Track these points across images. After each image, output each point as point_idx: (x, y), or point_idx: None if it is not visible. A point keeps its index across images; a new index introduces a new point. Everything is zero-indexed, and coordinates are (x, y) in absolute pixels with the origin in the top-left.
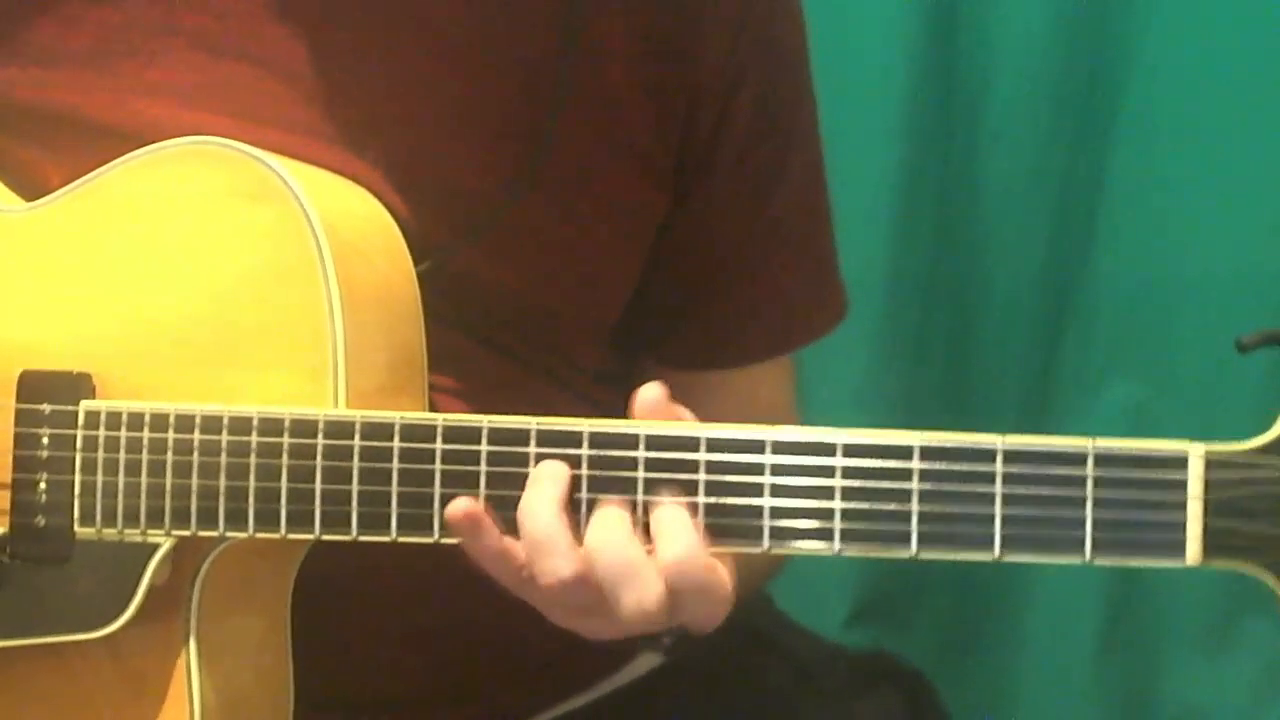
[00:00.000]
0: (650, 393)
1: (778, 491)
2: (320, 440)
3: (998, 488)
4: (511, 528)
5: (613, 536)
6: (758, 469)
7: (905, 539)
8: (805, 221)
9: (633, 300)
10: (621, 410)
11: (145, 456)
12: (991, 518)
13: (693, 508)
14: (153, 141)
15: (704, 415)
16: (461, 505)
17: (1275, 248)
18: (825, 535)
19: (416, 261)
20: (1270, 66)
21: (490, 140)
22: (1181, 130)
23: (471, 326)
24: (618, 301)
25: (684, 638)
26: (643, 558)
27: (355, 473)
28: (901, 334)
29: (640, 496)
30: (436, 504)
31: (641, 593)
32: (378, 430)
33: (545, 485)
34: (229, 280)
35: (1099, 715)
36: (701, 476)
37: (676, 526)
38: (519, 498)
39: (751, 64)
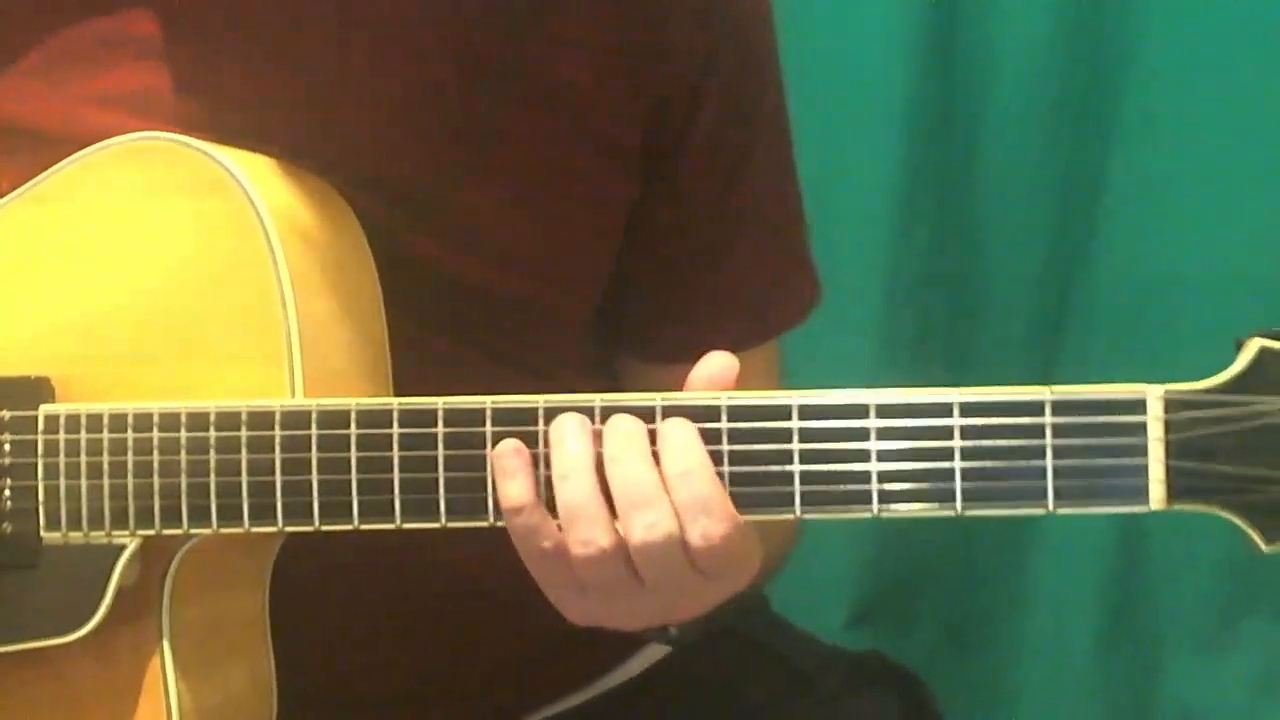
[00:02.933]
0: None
1: (735, 459)
2: (278, 431)
3: (956, 441)
4: (467, 507)
5: (630, 449)
6: (715, 436)
7: (866, 498)
8: (775, 211)
9: (607, 294)
10: None
11: (106, 458)
12: (952, 472)
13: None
14: None
15: None
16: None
17: (1275, 248)
18: (786, 500)
19: (375, 248)
20: (1270, 66)
21: (434, 131)
22: (1181, 130)
23: (445, 324)
24: (590, 293)
25: (691, 628)
26: (656, 478)
27: (314, 462)
28: (901, 334)
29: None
30: (396, 489)
31: (655, 515)
32: (334, 418)
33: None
34: (181, 274)
35: (1099, 715)
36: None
37: (681, 434)
38: (480, 479)
39: (720, 53)
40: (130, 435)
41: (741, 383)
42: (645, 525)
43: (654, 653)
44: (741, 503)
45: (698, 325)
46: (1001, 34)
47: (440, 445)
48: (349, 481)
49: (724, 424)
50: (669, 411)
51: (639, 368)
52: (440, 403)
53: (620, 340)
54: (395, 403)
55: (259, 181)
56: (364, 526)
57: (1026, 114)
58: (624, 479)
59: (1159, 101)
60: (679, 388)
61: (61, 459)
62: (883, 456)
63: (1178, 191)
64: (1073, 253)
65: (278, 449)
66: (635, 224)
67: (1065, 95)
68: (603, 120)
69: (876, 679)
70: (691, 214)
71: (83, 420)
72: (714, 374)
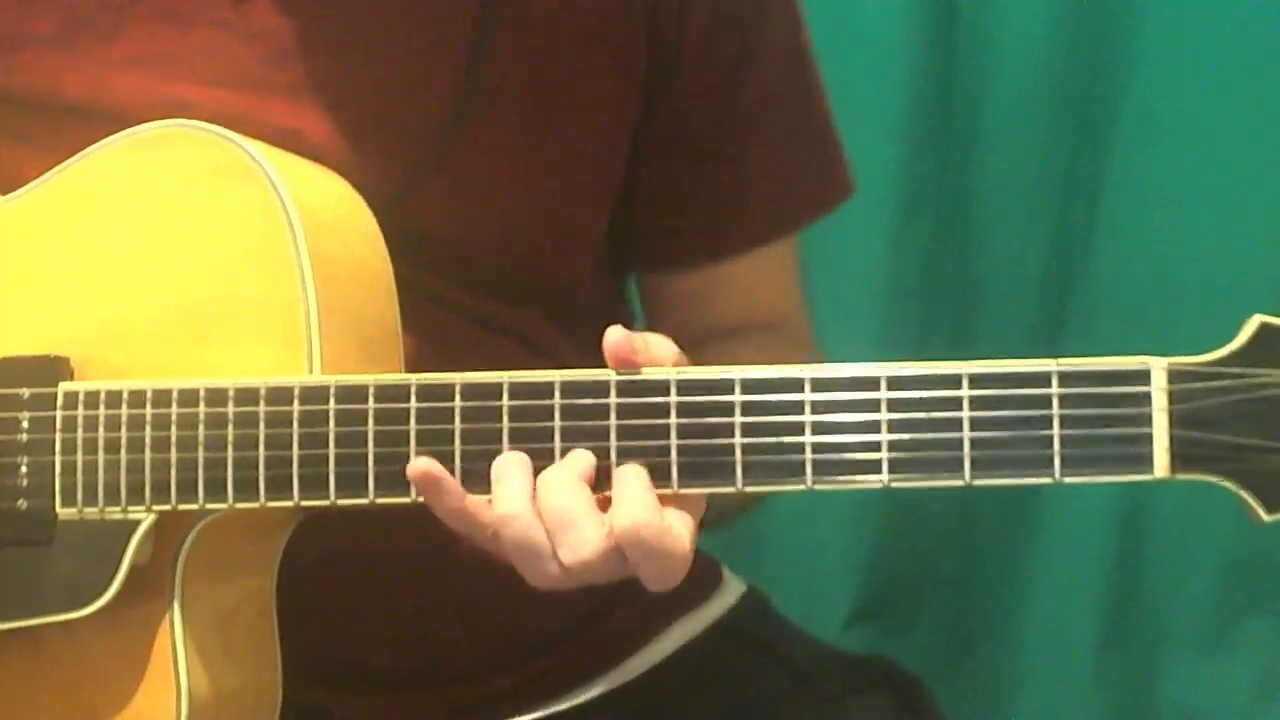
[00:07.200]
0: (613, 335)
1: (748, 430)
2: (296, 406)
3: (965, 412)
4: (483, 481)
5: (560, 478)
6: (728, 409)
7: (876, 468)
8: (789, 102)
9: (621, 208)
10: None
11: (124, 434)
12: (960, 442)
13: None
14: (129, 116)
15: (710, 315)
16: (420, 465)
17: (1275, 248)
18: (797, 470)
19: (384, 205)
20: (1270, 66)
21: (427, 61)
22: (1181, 130)
23: (451, 270)
24: (601, 210)
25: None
26: (583, 507)
27: (331, 436)
28: (901, 333)
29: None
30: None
31: (578, 543)
32: (352, 393)
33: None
34: (203, 258)
35: (1099, 716)
36: (673, 420)
37: (631, 489)
38: (496, 451)
39: None
40: (149, 411)
41: (757, 281)
42: (571, 551)
43: (656, 652)
44: (753, 474)
45: (712, 226)
46: (1001, 34)
47: (457, 419)
48: (365, 455)
49: (737, 396)
50: (682, 387)
51: (659, 279)
52: (458, 379)
53: (637, 255)
54: (413, 378)
55: (284, 171)
56: (380, 500)
57: (1026, 113)
58: (551, 506)
59: (1159, 101)
60: (706, 293)
61: (79, 435)
62: (892, 427)
63: (1178, 191)
64: (1073, 253)
65: (295, 424)
66: (641, 138)
67: (1065, 95)
68: (597, 32)
69: (878, 682)
70: (699, 117)
71: (101, 397)
72: (610, 348)
